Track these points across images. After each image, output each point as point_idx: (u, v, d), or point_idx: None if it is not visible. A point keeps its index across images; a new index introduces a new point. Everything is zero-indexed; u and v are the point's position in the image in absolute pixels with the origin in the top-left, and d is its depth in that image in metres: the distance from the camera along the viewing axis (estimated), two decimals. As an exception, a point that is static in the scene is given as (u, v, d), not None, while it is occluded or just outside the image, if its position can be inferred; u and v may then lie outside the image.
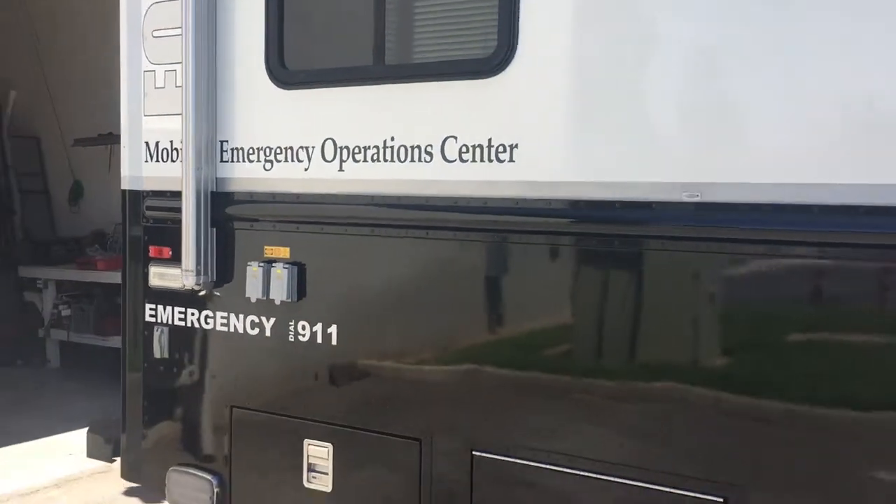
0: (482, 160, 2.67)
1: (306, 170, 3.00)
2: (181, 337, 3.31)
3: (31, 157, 9.07)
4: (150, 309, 3.38)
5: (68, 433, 5.80)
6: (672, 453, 2.42)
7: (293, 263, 3.04)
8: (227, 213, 3.18)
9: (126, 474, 3.59)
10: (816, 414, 2.28)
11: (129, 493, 4.99)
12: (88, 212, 8.63)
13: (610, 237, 2.52)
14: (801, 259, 2.28)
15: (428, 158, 2.76)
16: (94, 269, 7.63)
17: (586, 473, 2.53)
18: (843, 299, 2.26)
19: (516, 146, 2.62)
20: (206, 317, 3.24)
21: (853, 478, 2.24)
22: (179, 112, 3.14)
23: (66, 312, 7.90)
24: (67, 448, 5.54)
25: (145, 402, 3.45)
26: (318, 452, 3.04)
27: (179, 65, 3.14)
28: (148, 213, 3.35)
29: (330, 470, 3.02)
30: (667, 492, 2.41)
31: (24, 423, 6.12)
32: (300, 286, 3.04)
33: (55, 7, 8.44)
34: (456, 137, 2.71)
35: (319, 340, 3.01)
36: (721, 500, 2.34)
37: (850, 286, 2.24)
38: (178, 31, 3.14)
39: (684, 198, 2.37)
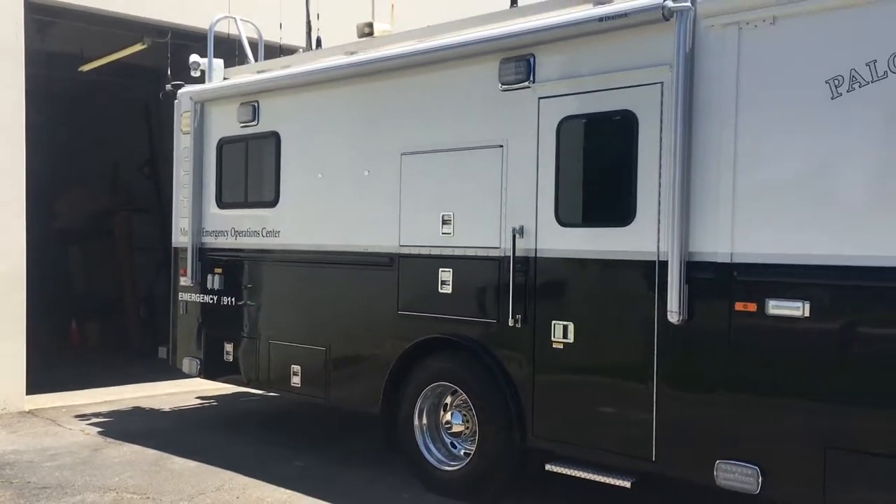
0: (272, 236, 7.57)
1: (226, 239, 8.03)
2: (188, 306, 8.40)
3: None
4: (180, 296, 8.52)
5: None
6: (310, 331, 7.16)
7: (223, 274, 8.05)
8: (204, 256, 8.25)
9: (171, 362, 8.72)
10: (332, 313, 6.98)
11: (199, 397, 10.18)
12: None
13: (305, 263, 7.31)
14: (327, 268, 7.02)
15: (258, 235, 7.70)
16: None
17: (293, 344, 7.33)
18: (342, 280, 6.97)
19: (280, 231, 7.51)
20: (196, 297, 8.31)
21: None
22: (188, 217, 8.29)
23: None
24: (192, 383, 10.79)
25: (176, 331, 8.59)
26: (229, 347, 7.99)
27: (188, 197, 8.30)
28: (178, 256, 8.51)
29: (232, 353, 7.96)
30: (309, 348, 7.15)
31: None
32: (225, 283, 8.03)
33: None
34: (265, 228, 7.63)
35: (230, 304, 7.97)
36: (323, 348, 7.05)
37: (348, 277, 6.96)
38: (187, 179, 8.30)
39: (329, 249, 7.15)
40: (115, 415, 9.20)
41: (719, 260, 4.79)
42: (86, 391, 10.39)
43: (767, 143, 4.61)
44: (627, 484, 5.19)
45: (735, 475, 4.68)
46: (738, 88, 4.70)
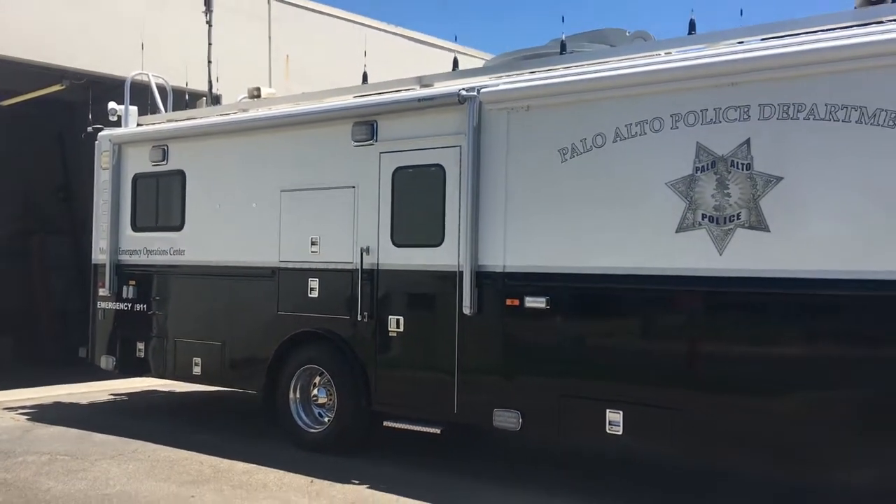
0: (178, 254, 9.37)
1: (139, 257, 9.77)
2: (106, 313, 10.09)
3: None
4: (99, 304, 10.19)
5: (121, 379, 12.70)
6: (209, 330, 8.98)
7: (137, 285, 9.78)
8: (120, 271, 9.96)
9: (90, 359, 10.36)
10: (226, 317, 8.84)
11: (113, 393, 11.78)
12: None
13: (205, 275, 9.13)
14: (227, 279, 8.89)
15: (167, 253, 9.48)
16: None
17: (195, 340, 9.13)
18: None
19: (184, 250, 9.32)
20: (112, 304, 10.00)
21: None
22: (106, 238, 9.99)
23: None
24: (106, 383, 12.35)
25: (95, 334, 10.25)
26: (141, 346, 9.71)
27: (107, 222, 10.01)
28: (98, 271, 10.19)
29: (144, 350, 9.67)
30: (209, 343, 8.97)
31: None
32: (138, 293, 9.77)
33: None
34: (172, 247, 9.43)
35: (142, 310, 9.70)
36: (220, 343, 8.87)
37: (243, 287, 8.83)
38: (106, 207, 10.02)
39: (224, 264, 8.99)
40: (39, 407, 10.74)
41: (497, 270, 6.89)
42: (8, 391, 11.85)
43: (523, 191, 6.76)
44: (437, 431, 7.23)
45: (505, 418, 6.76)
46: (507, 153, 6.85)
